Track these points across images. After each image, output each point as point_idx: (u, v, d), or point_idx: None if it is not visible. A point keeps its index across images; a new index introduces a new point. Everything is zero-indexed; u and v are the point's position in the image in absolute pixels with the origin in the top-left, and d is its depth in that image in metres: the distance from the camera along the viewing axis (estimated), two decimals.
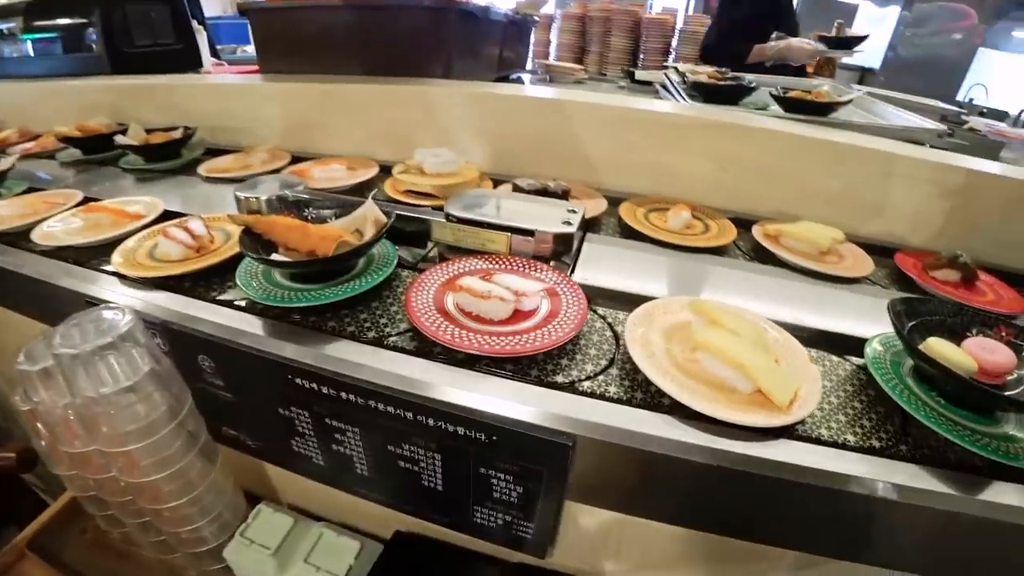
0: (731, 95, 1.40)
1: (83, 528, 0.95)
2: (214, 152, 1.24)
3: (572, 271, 0.73)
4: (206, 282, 0.69)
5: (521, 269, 0.69)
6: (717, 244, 0.84)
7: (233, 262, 0.70)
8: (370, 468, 0.61)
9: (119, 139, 1.19)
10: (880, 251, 0.85)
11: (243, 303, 0.64)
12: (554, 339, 0.54)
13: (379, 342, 0.57)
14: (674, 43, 2.94)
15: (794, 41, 2.01)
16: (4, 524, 1.45)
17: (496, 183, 0.99)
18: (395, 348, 0.57)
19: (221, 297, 0.66)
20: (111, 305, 0.60)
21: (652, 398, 0.50)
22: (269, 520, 0.74)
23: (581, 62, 2.69)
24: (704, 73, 1.51)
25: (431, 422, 0.52)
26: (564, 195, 0.90)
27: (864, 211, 0.92)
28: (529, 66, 2.02)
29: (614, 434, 0.46)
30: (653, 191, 1.00)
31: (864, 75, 4.02)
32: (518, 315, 0.59)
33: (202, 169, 1.12)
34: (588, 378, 0.52)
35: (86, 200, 0.93)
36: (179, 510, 0.69)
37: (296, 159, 1.15)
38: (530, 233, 0.71)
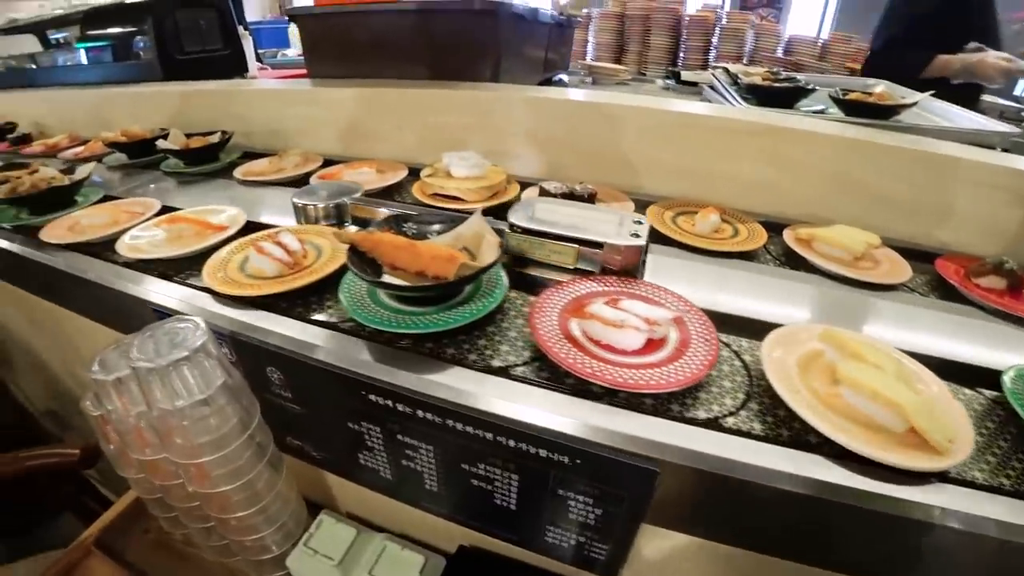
0: (787, 97, 1.35)
1: (146, 528, 0.97)
2: (251, 155, 1.26)
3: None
4: (303, 301, 0.66)
5: (642, 293, 0.64)
6: (746, 249, 0.82)
7: (332, 279, 0.67)
8: (440, 484, 0.60)
9: (161, 143, 1.24)
10: (917, 256, 0.82)
11: (347, 325, 0.61)
12: (695, 371, 0.51)
13: (504, 372, 0.54)
14: (714, 41, 2.88)
15: (990, 55, 1.55)
16: (60, 512, 1.53)
17: (524, 186, 0.99)
18: (522, 379, 0.53)
19: (320, 318, 0.63)
20: (184, 317, 0.60)
21: (797, 435, 0.47)
22: (332, 530, 0.74)
23: (619, 62, 2.65)
24: (757, 74, 1.46)
25: (512, 443, 0.50)
26: (590, 198, 0.88)
27: (925, 219, 0.88)
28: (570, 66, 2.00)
29: (734, 468, 0.44)
30: (697, 196, 0.97)
31: None
32: (650, 344, 0.56)
33: (238, 172, 1.14)
34: (731, 414, 0.49)
35: (164, 209, 0.94)
36: (246, 519, 0.70)
37: (328, 162, 1.16)
38: (598, 245, 0.69)
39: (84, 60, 2.05)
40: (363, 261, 0.62)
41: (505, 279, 0.65)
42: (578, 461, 0.49)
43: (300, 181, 1.08)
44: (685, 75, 1.82)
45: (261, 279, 0.68)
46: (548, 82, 1.62)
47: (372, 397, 0.55)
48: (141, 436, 0.67)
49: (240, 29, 1.97)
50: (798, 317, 0.67)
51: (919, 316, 0.69)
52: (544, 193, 0.89)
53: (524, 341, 0.58)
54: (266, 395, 0.66)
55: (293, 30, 4.65)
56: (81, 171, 1.06)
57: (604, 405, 0.50)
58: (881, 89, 1.44)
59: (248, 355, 0.63)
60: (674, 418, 0.49)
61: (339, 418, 0.61)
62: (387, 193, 1.01)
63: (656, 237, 0.85)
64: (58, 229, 0.88)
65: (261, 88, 1.40)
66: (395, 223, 0.69)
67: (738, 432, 0.47)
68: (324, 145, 1.25)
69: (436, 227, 0.70)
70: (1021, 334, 0.66)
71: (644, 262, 0.76)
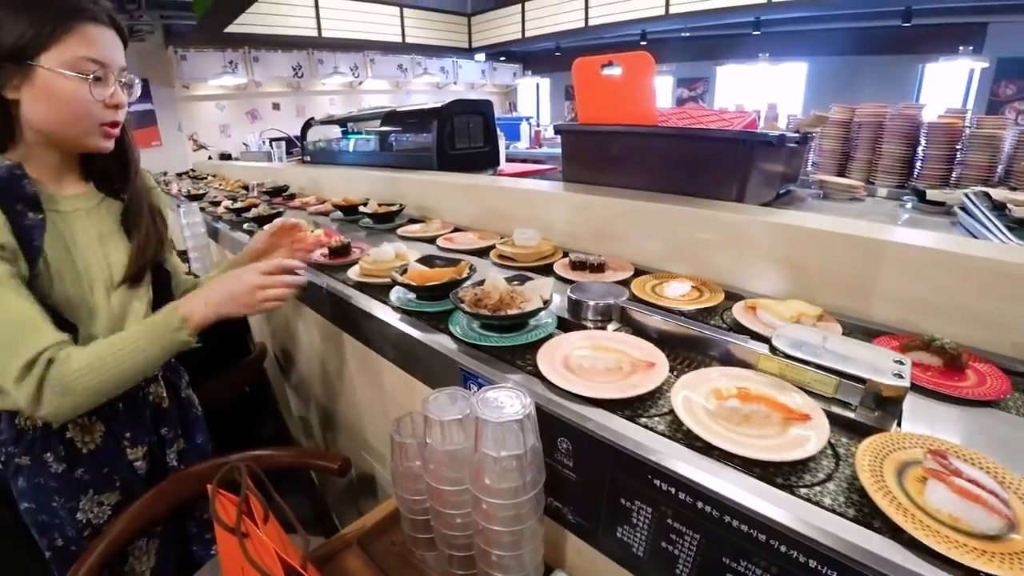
0: None
1: (393, 540, 1.17)
2: (413, 221, 1.94)
3: (899, 423, 0.72)
4: None
5: None
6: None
7: None
8: (692, 572, 0.67)
9: (362, 208, 1.97)
10: None
11: None
12: None
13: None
14: (959, 148, 2.63)
15: None
16: (289, 493, 1.86)
17: (566, 254, 1.36)
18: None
19: None
20: (514, 386, 0.77)
21: None
22: None
23: (844, 170, 2.56)
24: None
25: (783, 549, 0.56)
26: (599, 267, 1.22)
27: None
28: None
29: None
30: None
31: None
32: None
33: (400, 231, 1.79)
34: None
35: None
36: (505, 558, 0.83)
37: (456, 229, 1.76)
38: (861, 381, 0.72)
39: (375, 148, 2.64)
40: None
41: None
42: None
43: (435, 238, 1.64)
44: (931, 194, 1.70)
45: (971, 535, 0.50)
46: (777, 196, 1.67)
47: (656, 481, 0.66)
48: (441, 468, 0.85)
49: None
50: None
51: None
52: (572, 262, 1.26)
53: None
54: (548, 459, 0.80)
55: (525, 126, 5.57)
56: (541, 289, 0.95)
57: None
58: None
59: (545, 424, 0.78)
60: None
61: (613, 493, 0.72)
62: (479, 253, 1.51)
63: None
64: (555, 364, 0.85)
65: (519, 188, 1.68)
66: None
67: None
68: (577, 243, 1.47)
69: None
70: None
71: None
